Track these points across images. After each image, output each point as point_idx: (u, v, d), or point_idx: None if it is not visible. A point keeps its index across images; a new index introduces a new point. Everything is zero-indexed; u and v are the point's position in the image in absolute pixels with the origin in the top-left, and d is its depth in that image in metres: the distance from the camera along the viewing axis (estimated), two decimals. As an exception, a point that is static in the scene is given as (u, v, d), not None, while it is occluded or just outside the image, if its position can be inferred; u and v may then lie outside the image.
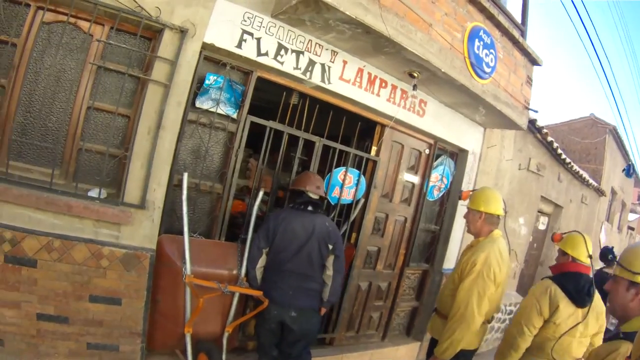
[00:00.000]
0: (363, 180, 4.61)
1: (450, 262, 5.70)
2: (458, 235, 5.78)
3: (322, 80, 3.95)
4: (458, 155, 5.73)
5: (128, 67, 3.17)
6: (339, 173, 4.41)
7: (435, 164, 5.39)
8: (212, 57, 3.50)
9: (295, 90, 4.05)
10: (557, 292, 2.98)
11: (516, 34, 4.79)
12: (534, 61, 5.25)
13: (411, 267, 5.44)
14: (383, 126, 4.70)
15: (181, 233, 3.23)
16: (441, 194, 5.58)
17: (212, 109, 3.53)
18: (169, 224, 3.50)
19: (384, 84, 4.42)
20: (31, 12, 2.99)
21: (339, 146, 4.31)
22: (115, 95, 3.21)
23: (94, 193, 3.13)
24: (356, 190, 4.56)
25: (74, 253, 2.98)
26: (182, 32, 3.20)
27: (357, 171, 4.55)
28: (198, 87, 3.46)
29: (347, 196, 4.52)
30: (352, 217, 4.55)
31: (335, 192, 4.43)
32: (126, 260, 3.15)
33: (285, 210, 3.55)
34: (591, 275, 3.00)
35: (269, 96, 5.00)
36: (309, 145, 4.22)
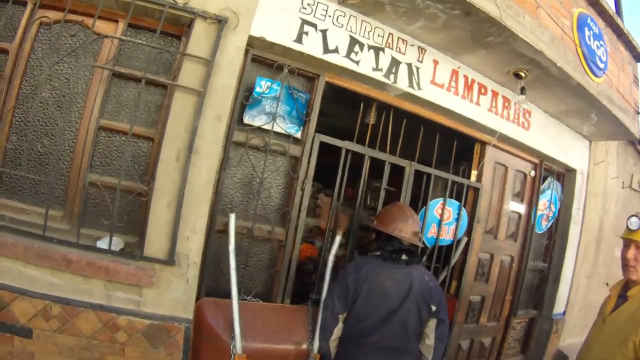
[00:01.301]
0: (464, 213, 3.09)
1: (560, 305, 4.01)
2: (568, 273, 4.05)
3: (410, 85, 2.60)
4: (565, 176, 4.05)
5: (147, 72, 2.01)
6: (435, 206, 2.92)
7: (541, 188, 3.76)
8: (263, 57, 2.28)
9: (375, 100, 2.69)
10: None
11: (620, 23, 3.58)
12: (638, 57, 3.95)
13: (518, 316, 3.76)
14: (483, 144, 3.22)
15: (228, 296, 2.03)
16: (550, 224, 3.90)
17: (266, 126, 2.28)
18: (212, 284, 2.25)
19: (483, 90, 2.98)
20: (27, 12, 2.00)
21: (434, 172, 2.86)
22: (133, 111, 2.04)
23: (103, 243, 1.97)
24: (457, 227, 3.03)
25: (79, 322, 1.92)
26: (220, 23, 2.03)
27: (457, 202, 3.03)
28: (246, 98, 2.23)
29: (447, 235, 3.00)
30: (452, 261, 3.01)
31: (432, 231, 2.93)
32: (151, 334, 1.99)
33: (369, 261, 2.13)
34: None
35: (334, 121, 3.70)
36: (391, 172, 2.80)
